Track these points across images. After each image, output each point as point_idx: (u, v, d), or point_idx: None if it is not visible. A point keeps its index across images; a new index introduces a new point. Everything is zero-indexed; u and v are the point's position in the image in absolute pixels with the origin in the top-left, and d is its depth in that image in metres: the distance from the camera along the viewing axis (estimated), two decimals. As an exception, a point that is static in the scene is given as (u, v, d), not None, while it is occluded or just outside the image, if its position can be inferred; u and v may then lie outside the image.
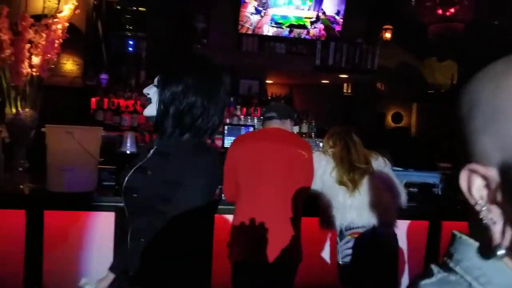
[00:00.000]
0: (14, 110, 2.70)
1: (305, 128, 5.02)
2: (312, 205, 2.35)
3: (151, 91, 1.43)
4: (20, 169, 2.73)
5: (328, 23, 5.80)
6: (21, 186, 2.59)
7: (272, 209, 2.12)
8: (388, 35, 6.33)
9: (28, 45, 2.68)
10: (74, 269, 2.46)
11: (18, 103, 2.72)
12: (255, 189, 2.17)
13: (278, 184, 2.16)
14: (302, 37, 5.80)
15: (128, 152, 2.58)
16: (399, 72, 6.60)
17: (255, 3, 5.60)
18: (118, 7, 5.84)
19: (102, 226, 2.52)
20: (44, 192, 2.46)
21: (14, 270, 2.43)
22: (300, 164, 2.23)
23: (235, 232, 2.17)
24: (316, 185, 2.33)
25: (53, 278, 2.44)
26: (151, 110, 1.42)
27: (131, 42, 5.95)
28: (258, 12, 5.63)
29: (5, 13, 2.61)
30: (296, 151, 2.23)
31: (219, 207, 2.61)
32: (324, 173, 2.34)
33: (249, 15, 5.61)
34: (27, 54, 2.68)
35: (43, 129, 2.61)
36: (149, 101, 1.43)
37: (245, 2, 5.57)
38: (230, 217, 2.35)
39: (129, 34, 5.75)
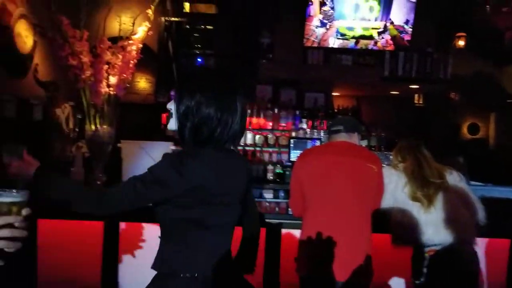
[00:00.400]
0: (93, 127, 2.88)
1: (374, 141, 4.89)
2: (383, 221, 2.27)
3: (172, 106, 1.47)
4: (98, 182, 2.90)
5: (397, 32, 5.65)
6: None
7: (341, 224, 2.07)
8: (461, 42, 6.04)
9: (106, 66, 2.86)
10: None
11: (97, 120, 2.90)
12: (322, 204, 2.13)
13: (346, 199, 2.11)
14: (369, 48, 5.69)
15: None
16: (474, 81, 6.25)
17: (320, 16, 5.59)
18: (187, 26, 6.07)
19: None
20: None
21: (91, 275, 2.56)
22: (369, 179, 2.16)
23: (303, 246, 2.14)
24: (387, 201, 2.25)
25: (128, 282, 2.56)
26: (172, 124, 1.47)
27: (199, 60, 6.16)
28: (323, 25, 5.60)
29: (86, 37, 2.81)
30: (365, 165, 2.17)
31: (286, 221, 2.63)
32: (395, 188, 2.25)
33: (314, 28, 5.60)
34: (105, 75, 2.86)
35: (119, 144, 2.76)
36: (170, 115, 1.48)
37: (310, 15, 5.58)
38: (297, 232, 2.33)
39: (198, 52, 5.94)
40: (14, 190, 1.10)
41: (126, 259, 2.60)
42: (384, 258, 2.32)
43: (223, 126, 1.39)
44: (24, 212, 1.08)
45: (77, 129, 4.75)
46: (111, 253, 2.58)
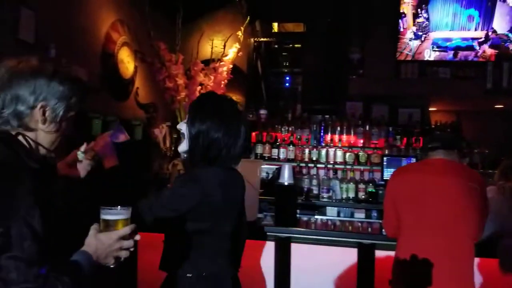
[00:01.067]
0: (187, 146, 3.00)
1: (476, 159, 4.51)
2: (488, 244, 2.07)
3: (183, 127, 1.63)
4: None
5: (500, 42, 5.22)
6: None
7: (440, 248, 1.91)
8: None
9: (199, 87, 3.00)
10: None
11: (190, 139, 3.02)
12: (419, 225, 1.99)
13: (444, 219, 1.95)
14: (469, 59, 5.31)
15: (286, 183, 2.64)
16: None
17: (414, 28, 5.35)
18: (276, 46, 6.18)
19: (263, 254, 2.59)
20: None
21: None
22: (470, 199, 1.98)
23: (398, 269, 2.02)
24: (491, 224, 2.04)
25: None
26: (184, 145, 1.63)
27: (287, 78, 6.21)
28: (417, 37, 5.36)
29: (181, 60, 2.97)
30: (466, 184, 1.99)
31: (380, 242, 2.50)
32: (500, 209, 2.04)
33: (408, 41, 5.38)
34: (198, 95, 2.98)
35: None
36: (182, 136, 1.65)
37: (403, 28, 5.38)
38: (392, 253, 2.20)
39: (286, 71, 6.00)
40: (118, 207, 1.25)
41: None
42: (490, 285, 2.11)
43: (229, 147, 1.59)
44: (130, 228, 1.25)
45: (173, 148, 5.01)
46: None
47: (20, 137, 1.21)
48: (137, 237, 1.28)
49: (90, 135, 3.41)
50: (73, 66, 3.20)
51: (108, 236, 1.22)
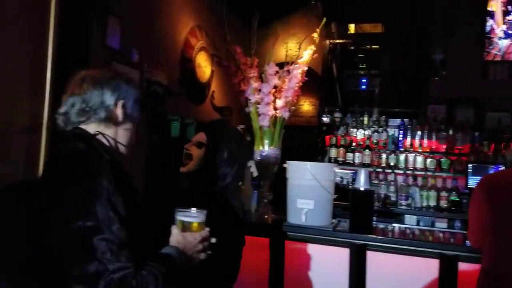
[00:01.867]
0: (261, 148, 3.01)
1: None
2: None
3: (192, 148, 1.76)
4: (265, 200, 3.01)
5: None
6: (266, 216, 2.84)
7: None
8: None
9: (273, 90, 2.99)
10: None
11: (265, 142, 3.03)
12: (508, 236, 1.82)
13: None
14: None
15: (362, 188, 2.54)
16: None
17: (504, 27, 4.97)
18: (352, 47, 6.03)
19: (336, 260, 2.52)
20: (285, 223, 2.62)
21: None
22: None
23: (483, 283, 1.86)
24: None
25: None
26: (190, 167, 1.75)
27: (364, 80, 6.04)
28: (508, 36, 4.96)
29: (256, 63, 2.98)
30: None
31: (463, 254, 2.33)
32: None
33: (497, 40, 5.00)
34: (272, 98, 2.98)
35: (284, 164, 2.82)
36: (189, 157, 1.75)
37: (492, 27, 5.01)
38: (475, 266, 2.05)
39: (362, 73, 5.84)
40: (193, 209, 1.31)
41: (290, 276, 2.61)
42: None
43: (231, 176, 1.77)
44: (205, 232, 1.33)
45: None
46: (277, 270, 2.60)
47: (99, 136, 1.30)
48: (213, 240, 1.34)
49: (169, 137, 3.55)
50: (154, 70, 3.35)
51: (194, 236, 1.28)
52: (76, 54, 2.55)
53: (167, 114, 3.58)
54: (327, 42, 5.60)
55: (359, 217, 2.54)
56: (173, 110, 3.65)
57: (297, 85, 3.01)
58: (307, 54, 3.06)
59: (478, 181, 2.11)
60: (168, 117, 3.58)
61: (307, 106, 5.98)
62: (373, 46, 6.04)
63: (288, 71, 3.03)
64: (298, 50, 3.08)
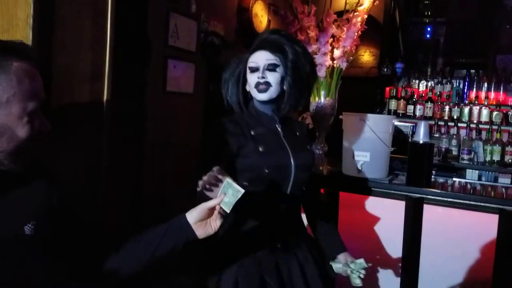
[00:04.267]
0: (317, 99, 2.99)
1: None
2: None
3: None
4: (321, 152, 3.02)
5: None
6: (321, 168, 2.87)
7: None
8: None
9: (330, 40, 2.92)
10: (360, 249, 2.56)
11: (321, 93, 3.00)
12: None
13: None
14: None
15: (421, 142, 2.49)
16: None
17: None
18: (419, -6, 5.70)
19: (391, 213, 2.53)
20: (340, 175, 2.64)
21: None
22: None
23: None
24: None
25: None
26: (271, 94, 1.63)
27: (428, 29, 5.71)
28: None
29: (313, 12, 2.90)
30: None
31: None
32: None
33: None
34: (329, 48, 2.92)
35: (340, 116, 2.80)
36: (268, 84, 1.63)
37: None
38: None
39: (427, 21, 5.52)
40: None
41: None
42: None
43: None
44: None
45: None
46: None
47: None
48: None
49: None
50: (211, 21, 3.36)
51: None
52: (135, 4, 2.61)
53: (224, 65, 3.61)
54: (390, -12, 5.31)
55: (417, 171, 2.50)
56: (230, 61, 3.68)
57: (356, 34, 2.92)
58: (368, 1, 2.94)
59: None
60: (225, 67, 3.62)
61: (367, 56, 5.78)
62: (441, -8, 5.66)
63: (347, 20, 2.93)
64: (359, -3, 2.96)
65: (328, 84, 2.97)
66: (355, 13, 2.92)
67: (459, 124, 4.25)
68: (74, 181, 1.87)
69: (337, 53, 2.91)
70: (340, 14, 2.99)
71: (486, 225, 2.32)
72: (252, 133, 1.60)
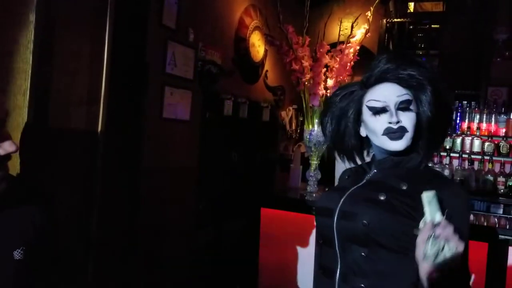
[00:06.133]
0: (310, 127, 3.05)
1: None
2: None
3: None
4: (314, 179, 3.06)
5: None
6: (315, 195, 2.90)
7: None
8: None
9: (324, 69, 3.00)
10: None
11: (314, 121, 3.06)
12: None
13: None
14: None
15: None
16: None
17: None
18: (411, 27, 5.85)
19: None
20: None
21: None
22: None
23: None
24: None
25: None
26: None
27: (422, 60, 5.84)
28: None
29: (307, 43, 3.00)
30: None
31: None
32: None
33: None
34: (323, 77, 3.00)
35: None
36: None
37: None
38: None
39: (420, 53, 5.66)
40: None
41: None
42: None
43: None
44: None
45: (298, 130, 5.12)
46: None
47: None
48: None
49: (222, 115, 3.67)
50: (208, 49, 3.45)
51: None
52: (133, 33, 2.69)
53: (220, 93, 3.68)
54: (384, 21, 5.46)
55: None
56: (226, 89, 3.75)
57: (349, 64, 3.01)
58: (360, 33, 3.04)
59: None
60: (221, 96, 3.69)
61: (361, 87, 5.88)
62: (433, 26, 5.82)
63: (341, 51, 3.03)
64: (351, 28, 3.06)
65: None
66: (348, 44, 3.02)
67: (452, 154, 4.30)
68: (67, 206, 1.89)
69: (330, 82, 2.99)
70: (334, 45, 3.09)
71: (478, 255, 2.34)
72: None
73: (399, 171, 1.27)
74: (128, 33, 2.55)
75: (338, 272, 1.22)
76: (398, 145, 1.21)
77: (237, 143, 3.97)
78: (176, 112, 3.06)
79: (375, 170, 1.32)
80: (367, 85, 1.29)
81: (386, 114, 1.21)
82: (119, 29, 2.15)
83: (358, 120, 1.33)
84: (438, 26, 5.80)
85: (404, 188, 1.21)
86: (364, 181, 1.32)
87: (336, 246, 1.23)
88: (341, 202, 1.26)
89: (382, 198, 1.20)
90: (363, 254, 1.18)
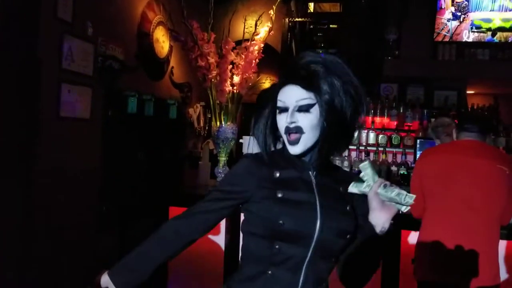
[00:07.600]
0: (218, 124, 3.07)
1: (513, 143, 4.38)
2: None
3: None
4: (223, 175, 3.08)
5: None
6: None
7: (464, 229, 1.91)
8: None
9: (230, 66, 3.03)
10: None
11: (222, 118, 3.09)
12: (444, 206, 1.98)
13: (472, 202, 1.93)
14: (510, 41, 5.10)
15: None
16: None
17: (453, 8, 5.17)
18: (311, 26, 6.12)
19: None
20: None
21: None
22: (499, 181, 1.95)
23: (421, 249, 2.02)
24: None
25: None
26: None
27: (322, 59, 6.13)
28: (456, 17, 5.18)
29: (213, 39, 3.01)
30: (495, 166, 1.96)
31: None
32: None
33: (446, 22, 5.20)
34: (229, 74, 3.03)
35: (241, 140, 2.90)
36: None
37: (441, 8, 5.20)
38: (416, 233, 2.20)
39: (321, 51, 5.95)
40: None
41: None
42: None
43: None
44: None
45: (207, 127, 5.11)
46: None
47: None
48: None
49: (126, 113, 3.53)
50: (109, 44, 3.30)
51: None
52: (24, 26, 2.48)
53: (124, 90, 3.55)
54: (287, 20, 5.65)
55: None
56: (130, 86, 3.62)
57: (254, 61, 3.07)
58: (264, 31, 3.12)
59: (420, 154, 2.27)
60: (125, 92, 3.55)
61: (268, 84, 6.03)
62: (331, 25, 6.14)
63: (246, 48, 3.08)
64: (255, 26, 3.13)
65: (229, 110, 3.07)
66: (253, 42, 3.08)
67: (350, 147, 4.59)
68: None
69: (236, 79, 3.03)
70: (239, 42, 3.13)
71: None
72: (277, 175, 1.26)
73: (332, 173, 1.32)
74: (18, 26, 2.35)
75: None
76: (295, 150, 1.22)
77: (143, 142, 3.86)
78: (74, 110, 2.89)
79: (315, 172, 1.28)
80: (279, 84, 1.28)
81: (287, 114, 1.23)
82: (8, 22, 1.97)
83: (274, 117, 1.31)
84: (336, 26, 6.13)
85: (341, 190, 1.26)
86: (314, 179, 1.28)
87: (306, 260, 1.20)
88: (318, 225, 1.20)
89: (348, 208, 1.24)
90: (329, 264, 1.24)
